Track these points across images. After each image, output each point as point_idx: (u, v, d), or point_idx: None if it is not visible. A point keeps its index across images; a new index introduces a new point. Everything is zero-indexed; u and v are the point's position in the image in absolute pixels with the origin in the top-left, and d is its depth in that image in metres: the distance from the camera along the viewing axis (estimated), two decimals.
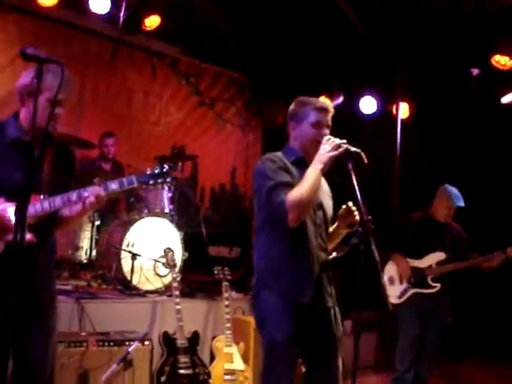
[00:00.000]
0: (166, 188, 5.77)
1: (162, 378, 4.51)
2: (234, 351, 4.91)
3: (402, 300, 5.31)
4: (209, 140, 7.79)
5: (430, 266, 5.24)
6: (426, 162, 7.63)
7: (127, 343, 4.31)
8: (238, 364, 4.86)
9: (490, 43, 6.51)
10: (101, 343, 4.20)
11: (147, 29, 6.75)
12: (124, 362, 4.20)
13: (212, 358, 4.99)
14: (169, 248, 5.05)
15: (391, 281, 5.38)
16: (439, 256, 5.24)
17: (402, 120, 7.60)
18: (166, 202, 5.76)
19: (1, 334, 2.63)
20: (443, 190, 5.35)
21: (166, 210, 5.71)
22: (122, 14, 6.40)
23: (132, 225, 5.37)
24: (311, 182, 3.02)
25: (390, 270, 5.41)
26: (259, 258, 3.24)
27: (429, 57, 7.07)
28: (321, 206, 3.28)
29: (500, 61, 6.44)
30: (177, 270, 5.05)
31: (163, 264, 5.13)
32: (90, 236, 5.72)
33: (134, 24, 6.67)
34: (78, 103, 6.63)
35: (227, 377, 4.82)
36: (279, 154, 3.34)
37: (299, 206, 2.99)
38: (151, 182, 3.07)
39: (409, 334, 5.30)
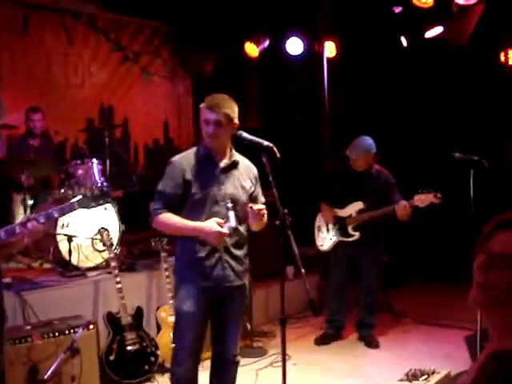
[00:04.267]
0: (95, 161, 5.75)
1: (111, 358, 4.66)
2: None
3: (327, 248, 5.59)
4: (137, 96, 7.68)
5: (350, 216, 5.47)
6: (355, 101, 7.73)
7: (72, 331, 4.41)
8: None
9: None
10: (45, 335, 4.28)
11: None
12: (71, 351, 4.31)
13: (159, 328, 5.16)
14: (103, 227, 5.09)
15: (319, 229, 5.67)
16: (358, 205, 5.46)
17: (328, 58, 7.61)
18: (96, 175, 5.74)
19: None
20: (353, 142, 5.49)
21: (99, 186, 5.69)
22: None
23: None
24: (180, 229, 3.48)
25: (319, 220, 5.68)
26: None
27: None
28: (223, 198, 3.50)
29: None
30: (114, 247, 5.12)
31: (100, 241, 5.19)
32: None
33: None
34: None
35: (174, 345, 5.01)
36: (190, 151, 3.61)
37: (159, 228, 3.64)
38: (92, 204, 3.09)
39: (334, 280, 5.70)
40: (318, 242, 5.69)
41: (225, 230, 3.36)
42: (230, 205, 3.42)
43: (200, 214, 3.45)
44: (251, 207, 3.43)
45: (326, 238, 5.61)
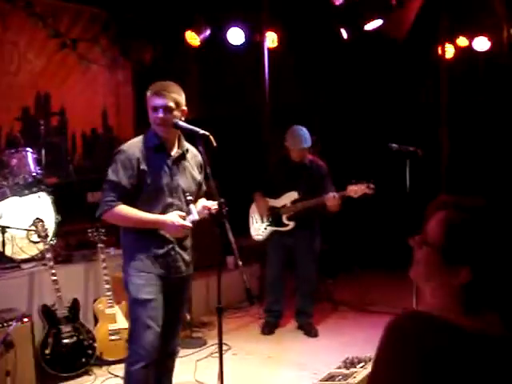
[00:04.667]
0: (30, 150, 5.58)
1: (47, 351, 4.57)
2: (117, 311, 5.02)
3: (262, 237, 5.62)
4: (75, 84, 7.45)
5: (285, 206, 5.50)
6: (295, 91, 7.78)
7: (6, 324, 4.30)
8: (122, 323, 4.98)
9: None
10: None
11: None
12: (4, 344, 4.20)
13: (96, 320, 5.07)
14: (38, 218, 4.95)
15: (253, 219, 5.70)
16: (292, 195, 5.50)
17: (270, 49, 7.60)
18: (31, 164, 5.56)
19: None
20: (288, 133, 5.53)
21: (33, 174, 5.54)
22: None
23: None
24: (140, 222, 3.35)
25: (253, 210, 5.69)
26: None
27: None
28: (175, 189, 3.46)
29: None
30: (49, 239, 5.01)
31: (35, 232, 5.05)
32: None
33: None
34: None
35: (112, 337, 4.95)
36: (138, 139, 3.49)
37: (113, 221, 3.45)
38: (25, 192, 3.01)
39: (271, 269, 5.73)
40: (253, 232, 5.70)
41: (187, 223, 3.33)
42: (190, 198, 3.39)
43: (156, 205, 3.39)
44: (208, 208, 3.40)
45: (261, 228, 5.62)
